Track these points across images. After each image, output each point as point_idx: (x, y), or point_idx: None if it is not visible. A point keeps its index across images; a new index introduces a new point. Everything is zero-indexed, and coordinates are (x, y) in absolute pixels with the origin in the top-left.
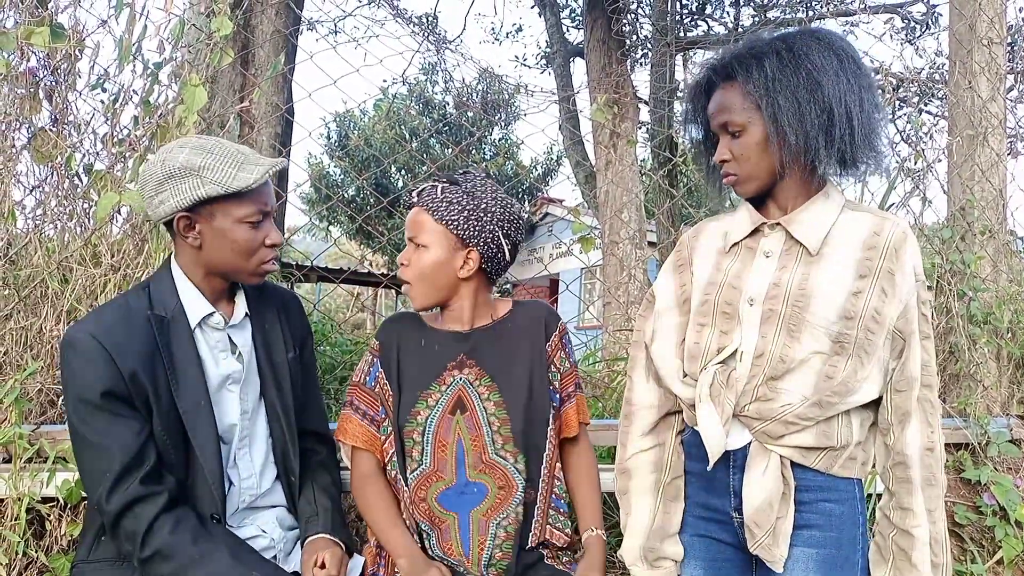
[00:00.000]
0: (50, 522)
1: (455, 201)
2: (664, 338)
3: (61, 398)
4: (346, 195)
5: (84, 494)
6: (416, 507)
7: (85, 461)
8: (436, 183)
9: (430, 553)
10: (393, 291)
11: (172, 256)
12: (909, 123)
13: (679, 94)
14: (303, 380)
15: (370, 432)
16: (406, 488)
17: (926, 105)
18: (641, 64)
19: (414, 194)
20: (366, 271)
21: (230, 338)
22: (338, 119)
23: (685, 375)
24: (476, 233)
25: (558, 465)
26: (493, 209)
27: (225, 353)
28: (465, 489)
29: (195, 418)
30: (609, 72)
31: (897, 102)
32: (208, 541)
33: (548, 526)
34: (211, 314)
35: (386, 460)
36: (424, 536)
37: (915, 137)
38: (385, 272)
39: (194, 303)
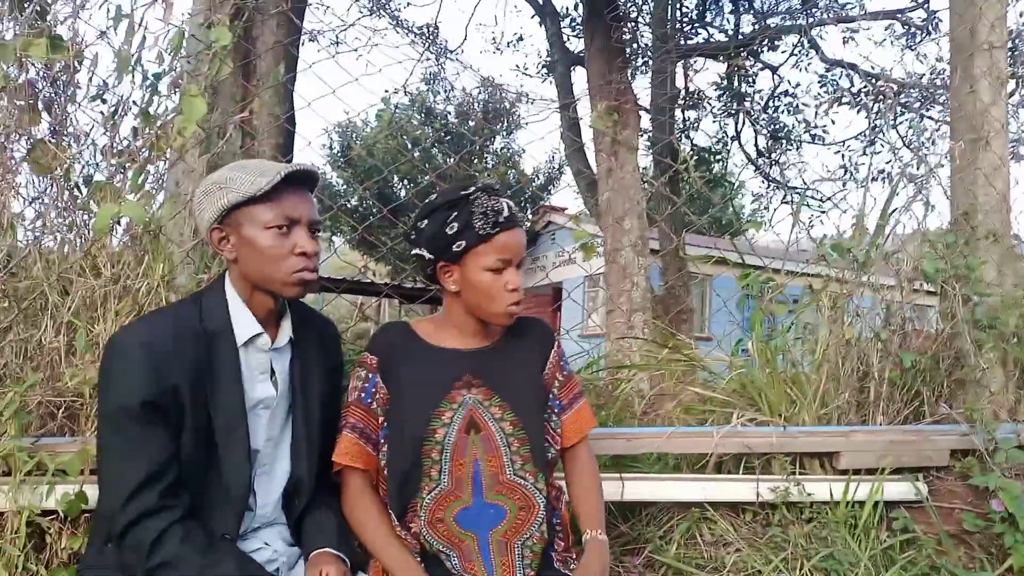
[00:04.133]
0: (50, 535)
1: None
2: None
3: (62, 409)
4: (348, 205)
5: (84, 506)
6: (433, 528)
7: (107, 467)
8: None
9: (455, 574)
10: (397, 301)
11: (226, 272)
12: (911, 128)
13: (679, 101)
14: (329, 415)
15: (365, 450)
16: (419, 512)
17: (928, 110)
18: (642, 72)
19: (509, 213)
20: (368, 281)
21: (271, 362)
22: (340, 129)
23: None
24: None
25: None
26: None
27: (264, 376)
28: (482, 510)
29: (228, 436)
30: (609, 80)
31: (899, 108)
32: (215, 553)
33: (559, 541)
34: (259, 335)
35: (381, 480)
36: (444, 558)
37: (917, 142)
38: (387, 282)
39: (243, 321)
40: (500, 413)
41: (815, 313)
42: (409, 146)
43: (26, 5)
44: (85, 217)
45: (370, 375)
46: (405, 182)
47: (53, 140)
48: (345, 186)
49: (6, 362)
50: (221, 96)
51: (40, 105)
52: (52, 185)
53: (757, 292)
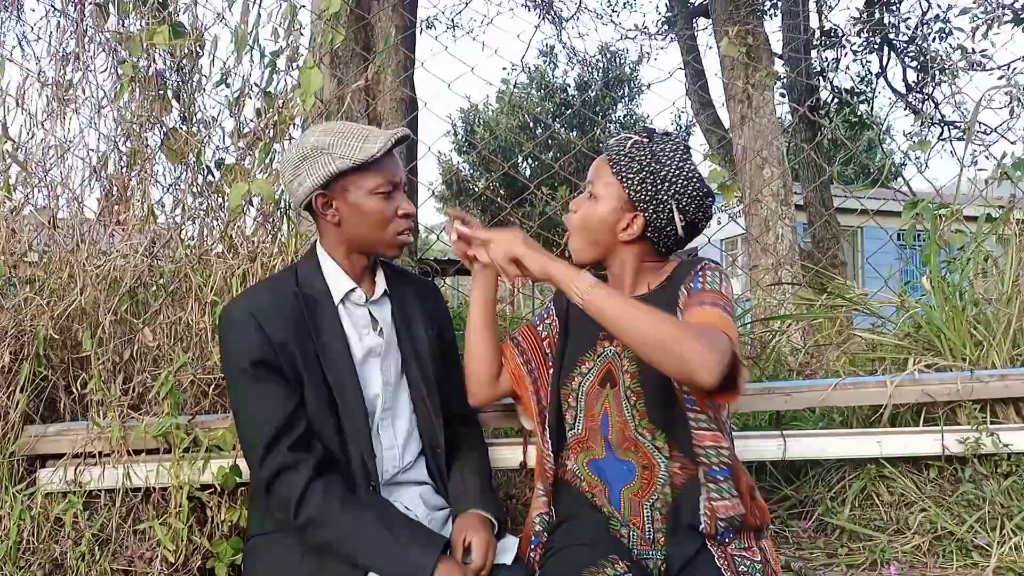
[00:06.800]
0: (210, 508)
1: (636, 159)
2: None
3: (212, 387)
4: (476, 188)
5: (238, 479)
6: (569, 471)
7: (240, 428)
8: (631, 135)
9: (603, 512)
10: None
11: (317, 240)
12: None
13: (815, 41)
14: (445, 363)
15: (516, 362)
16: (571, 450)
17: None
18: (771, 16)
19: (610, 141)
20: None
21: (371, 315)
22: (463, 115)
23: None
24: (647, 198)
25: (711, 435)
26: (672, 179)
27: (367, 329)
28: (615, 464)
29: (343, 388)
30: (737, 19)
31: None
32: (357, 508)
33: (709, 502)
34: (353, 290)
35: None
36: (588, 495)
37: None
38: None
39: (337, 281)
40: (628, 365)
41: (997, 245)
42: (531, 124)
43: None
44: (219, 200)
45: (549, 303)
46: (529, 160)
47: (183, 127)
48: (471, 170)
49: (159, 344)
50: (346, 81)
51: (169, 94)
52: (186, 171)
53: (930, 221)
